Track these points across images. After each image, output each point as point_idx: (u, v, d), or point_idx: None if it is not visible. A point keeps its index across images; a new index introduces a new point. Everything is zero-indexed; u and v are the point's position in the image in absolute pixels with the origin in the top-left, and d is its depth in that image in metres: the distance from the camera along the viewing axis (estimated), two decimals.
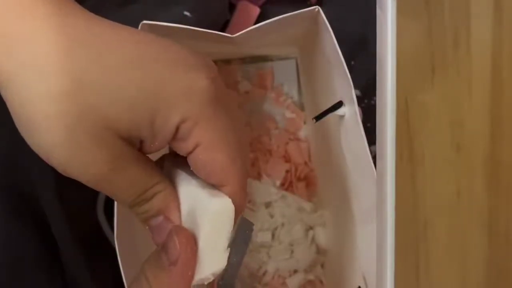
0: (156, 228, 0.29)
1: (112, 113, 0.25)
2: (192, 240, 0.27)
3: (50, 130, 0.24)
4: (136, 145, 0.27)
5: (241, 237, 0.29)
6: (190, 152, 0.28)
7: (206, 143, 0.28)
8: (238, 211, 0.29)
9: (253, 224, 0.29)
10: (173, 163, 0.31)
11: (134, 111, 0.26)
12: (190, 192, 0.29)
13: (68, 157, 0.25)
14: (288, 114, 0.55)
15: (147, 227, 0.29)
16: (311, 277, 0.53)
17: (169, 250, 0.27)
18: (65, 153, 0.25)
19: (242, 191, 0.30)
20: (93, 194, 0.48)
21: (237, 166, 0.29)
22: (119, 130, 0.26)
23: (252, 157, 0.54)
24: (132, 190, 0.27)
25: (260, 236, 0.52)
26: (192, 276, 0.27)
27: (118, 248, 0.35)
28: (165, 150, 0.31)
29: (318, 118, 0.40)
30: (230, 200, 0.28)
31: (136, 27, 0.36)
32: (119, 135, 0.26)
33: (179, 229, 0.28)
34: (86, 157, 0.25)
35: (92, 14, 0.26)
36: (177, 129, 0.27)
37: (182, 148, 0.28)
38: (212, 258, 0.28)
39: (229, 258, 0.28)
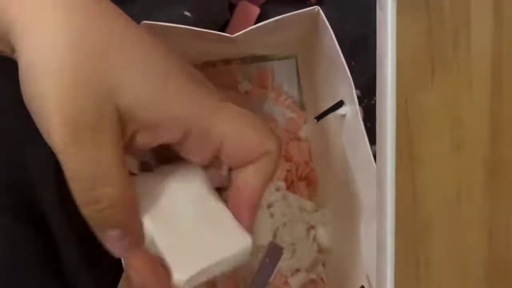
0: (112, 241, 0.28)
1: (126, 88, 0.26)
2: (151, 260, 0.27)
3: (60, 97, 0.25)
4: (127, 134, 0.27)
5: (270, 260, 0.29)
6: (219, 149, 0.29)
7: (231, 133, 0.29)
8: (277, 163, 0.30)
9: (282, 248, 0.30)
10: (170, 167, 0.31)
11: (147, 93, 0.26)
12: (200, 201, 0.29)
13: (59, 109, 0.25)
14: (288, 114, 0.55)
15: (103, 240, 0.28)
16: (313, 276, 0.53)
17: (133, 279, 0.27)
18: (59, 103, 0.25)
19: (279, 152, 0.30)
20: None
21: (267, 133, 0.30)
22: (125, 102, 0.26)
23: None
24: (90, 170, 0.26)
25: (262, 237, 0.52)
26: None
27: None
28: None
29: (319, 117, 0.40)
30: (250, 240, 0.29)
31: None
32: (121, 111, 0.26)
33: (135, 252, 0.27)
34: (75, 109, 0.25)
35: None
36: (190, 128, 0.28)
37: (206, 147, 0.29)
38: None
39: (256, 279, 0.29)
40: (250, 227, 0.30)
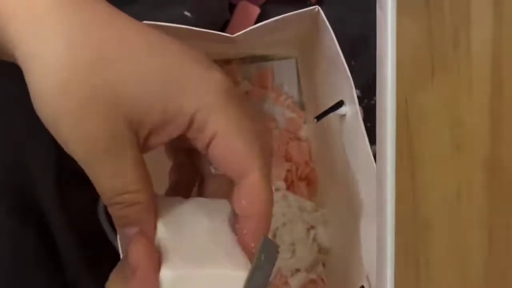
0: (128, 238, 0.28)
1: (125, 92, 0.26)
2: (150, 248, 0.27)
3: (63, 97, 0.25)
4: (141, 138, 0.27)
5: (266, 258, 0.28)
6: (208, 144, 0.29)
7: (223, 132, 0.28)
8: (268, 205, 0.29)
9: (278, 246, 0.29)
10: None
11: (148, 94, 0.27)
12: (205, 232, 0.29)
13: (73, 127, 0.25)
14: (288, 114, 0.55)
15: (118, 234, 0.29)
16: (313, 276, 0.53)
17: (129, 258, 0.27)
18: (72, 122, 0.25)
19: (266, 180, 0.29)
20: (94, 194, 0.48)
21: (256, 154, 0.29)
22: (129, 110, 0.26)
23: None
24: (114, 183, 0.27)
25: None
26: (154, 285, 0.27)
27: (122, 249, 0.35)
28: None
29: (319, 117, 0.40)
30: (245, 274, 0.28)
31: None
32: (128, 118, 0.26)
33: (139, 237, 0.28)
34: (88, 129, 0.26)
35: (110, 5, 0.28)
36: (192, 119, 0.28)
37: (200, 140, 0.29)
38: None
39: (254, 279, 0.28)
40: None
